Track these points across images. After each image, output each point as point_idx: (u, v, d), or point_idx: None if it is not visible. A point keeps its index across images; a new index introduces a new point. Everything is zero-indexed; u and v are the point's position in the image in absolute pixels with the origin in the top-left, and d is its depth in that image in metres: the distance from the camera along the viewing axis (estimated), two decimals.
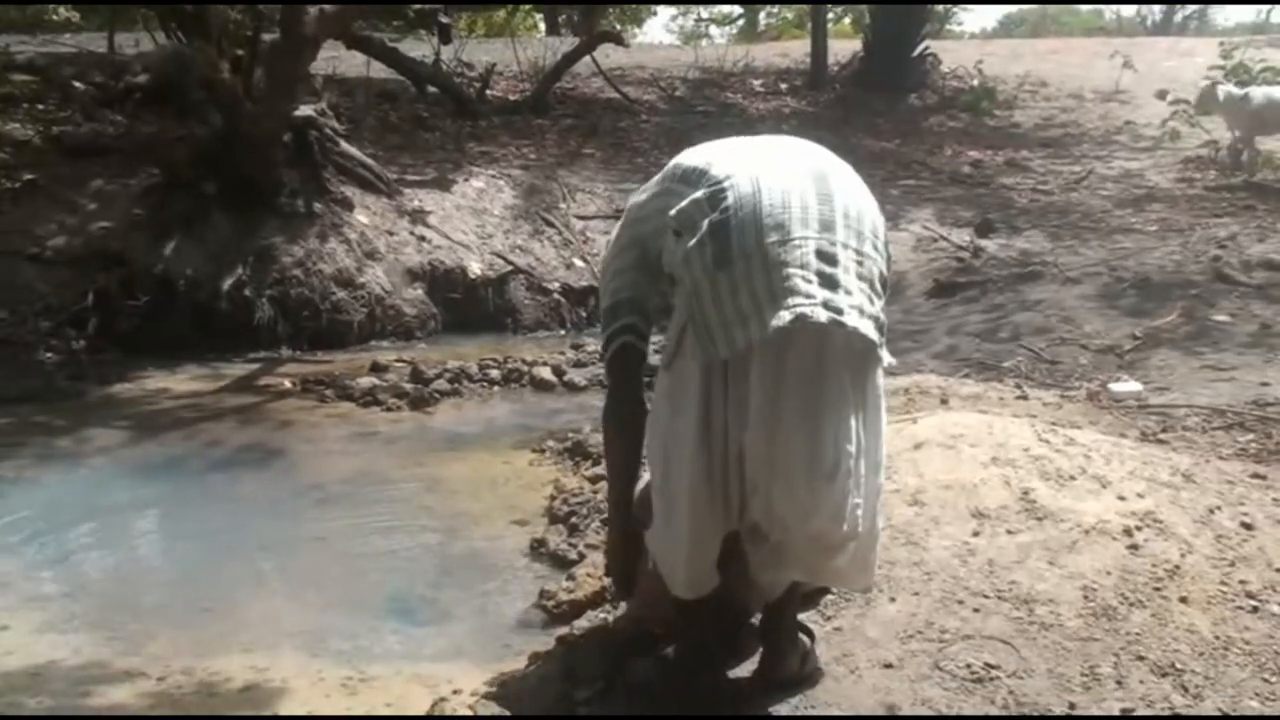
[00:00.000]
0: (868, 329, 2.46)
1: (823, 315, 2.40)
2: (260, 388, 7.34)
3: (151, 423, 6.60)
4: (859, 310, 2.46)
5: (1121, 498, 3.84)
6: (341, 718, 3.31)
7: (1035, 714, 2.86)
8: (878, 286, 2.55)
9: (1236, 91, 10.64)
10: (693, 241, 2.51)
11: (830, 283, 2.44)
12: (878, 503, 2.71)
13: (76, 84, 11.33)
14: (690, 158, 2.74)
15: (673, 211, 2.61)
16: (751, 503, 2.61)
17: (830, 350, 2.48)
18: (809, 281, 2.43)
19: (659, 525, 2.78)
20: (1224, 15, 43.52)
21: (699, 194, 2.56)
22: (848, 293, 2.45)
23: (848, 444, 2.53)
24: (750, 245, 2.45)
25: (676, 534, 2.70)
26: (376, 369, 7.52)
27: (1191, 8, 43.05)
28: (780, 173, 2.55)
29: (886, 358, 2.57)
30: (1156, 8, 42.82)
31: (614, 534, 3.16)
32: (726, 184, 2.53)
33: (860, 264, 2.51)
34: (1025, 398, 5.78)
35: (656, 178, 2.84)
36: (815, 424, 2.49)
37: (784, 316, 2.39)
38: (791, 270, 2.43)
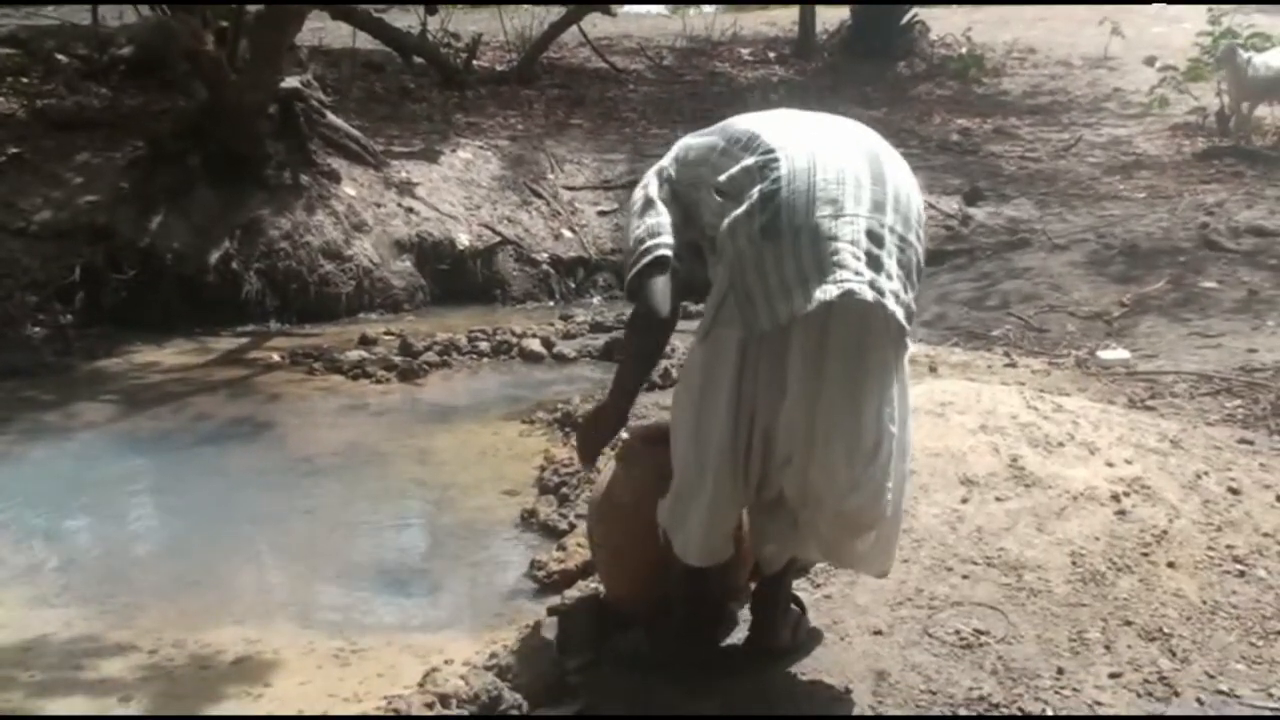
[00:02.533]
0: (902, 316, 2.48)
1: (869, 294, 2.41)
2: (249, 361, 7.32)
3: (140, 397, 6.58)
4: (896, 295, 2.47)
5: (1109, 464, 3.86)
6: (348, 717, 3.31)
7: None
8: (914, 276, 2.56)
9: (1242, 55, 10.59)
10: (741, 210, 2.51)
11: (876, 264, 2.45)
12: (905, 487, 2.73)
13: (60, 57, 11.24)
14: (745, 121, 2.73)
15: (723, 176, 2.59)
16: (783, 475, 2.63)
17: (873, 329, 2.49)
18: (858, 259, 2.43)
19: (678, 493, 2.77)
20: None
21: (750, 161, 2.55)
22: (889, 277, 2.46)
23: (890, 423, 2.56)
24: (801, 219, 2.44)
25: (698, 503, 2.70)
26: (365, 341, 7.51)
27: None
28: (836, 148, 2.55)
29: (911, 343, 2.61)
30: None
31: (608, 412, 3.10)
32: (780, 155, 2.52)
33: (903, 251, 2.52)
34: (1014, 365, 5.80)
35: (711, 129, 2.82)
36: (858, 400, 2.51)
37: (830, 290, 2.40)
38: (841, 245, 2.43)
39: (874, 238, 2.46)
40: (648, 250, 2.72)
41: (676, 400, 2.82)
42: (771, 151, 2.54)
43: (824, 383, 2.49)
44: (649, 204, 2.80)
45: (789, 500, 2.68)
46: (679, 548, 2.81)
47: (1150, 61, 12.39)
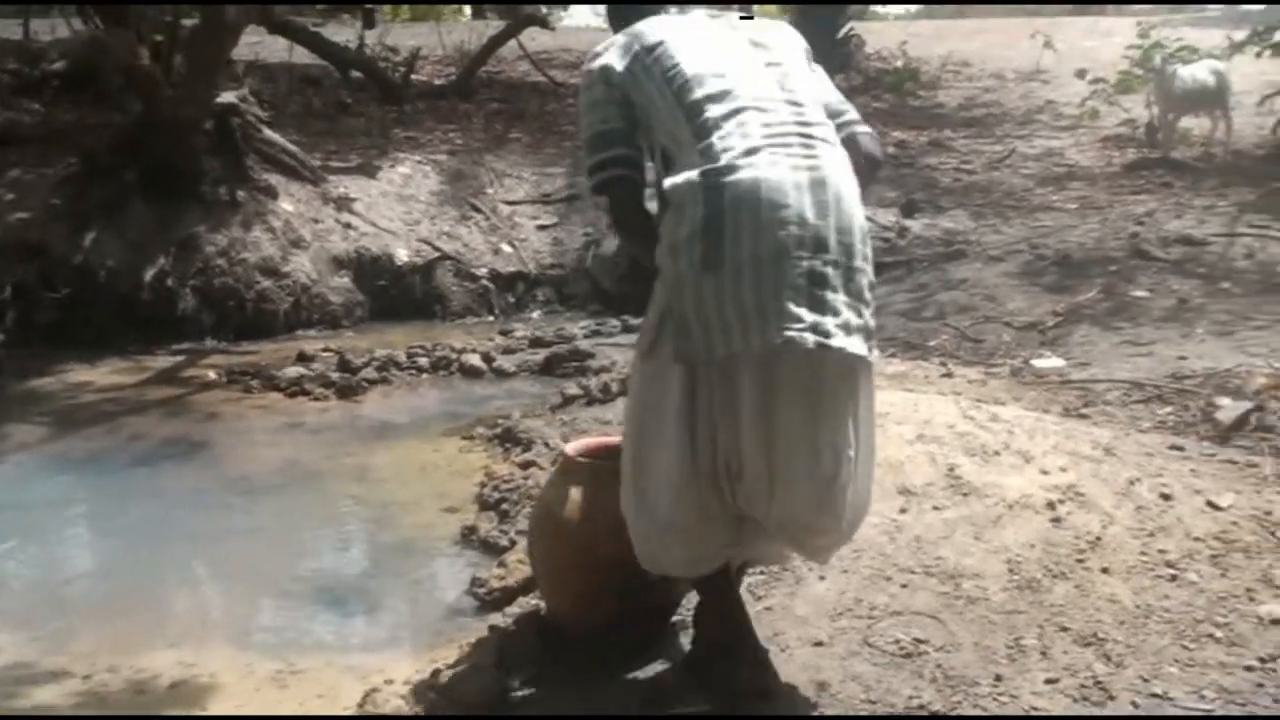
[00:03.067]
0: (855, 345, 2.46)
1: (810, 340, 2.39)
2: (184, 379, 7.23)
3: (73, 417, 6.49)
4: (846, 327, 2.44)
5: (1044, 472, 3.91)
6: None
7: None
8: (866, 295, 2.53)
9: (1168, 68, 10.78)
10: (682, 232, 2.46)
11: (819, 305, 2.42)
12: (869, 485, 2.73)
13: None
14: (695, 67, 2.61)
15: (667, 184, 2.53)
16: (748, 498, 2.58)
17: (824, 365, 2.47)
18: (799, 304, 2.40)
19: (633, 507, 2.72)
20: None
21: (694, 175, 2.46)
22: (835, 313, 2.43)
23: (847, 449, 2.54)
24: (744, 256, 2.40)
25: (655, 520, 2.66)
26: (303, 358, 7.44)
27: None
28: (781, 168, 2.45)
29: (874, 356, 2.59)
30: None
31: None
32: (725, 176, 2.43)
33: (850, 280, 2.48)
34: (950, 375, 5.86)
35: (663, 48, 2.67)
36: (813, 437, 2.49)
37: (773, 338, 2.38)
38: (783, 290, 2.40)
39: (816, 279, 2.43)
40: (602, 166, 2.69)
41: (626, 416, 2.79)
42: (718, 165, 2.45)
43: (777, 421, 2.47)
44: (594, 105, 2.71)
45: (757, 519, 2.66)
46: (647, 557, 2.77)
47: (1081, 74, 12.59)
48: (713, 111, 2.53)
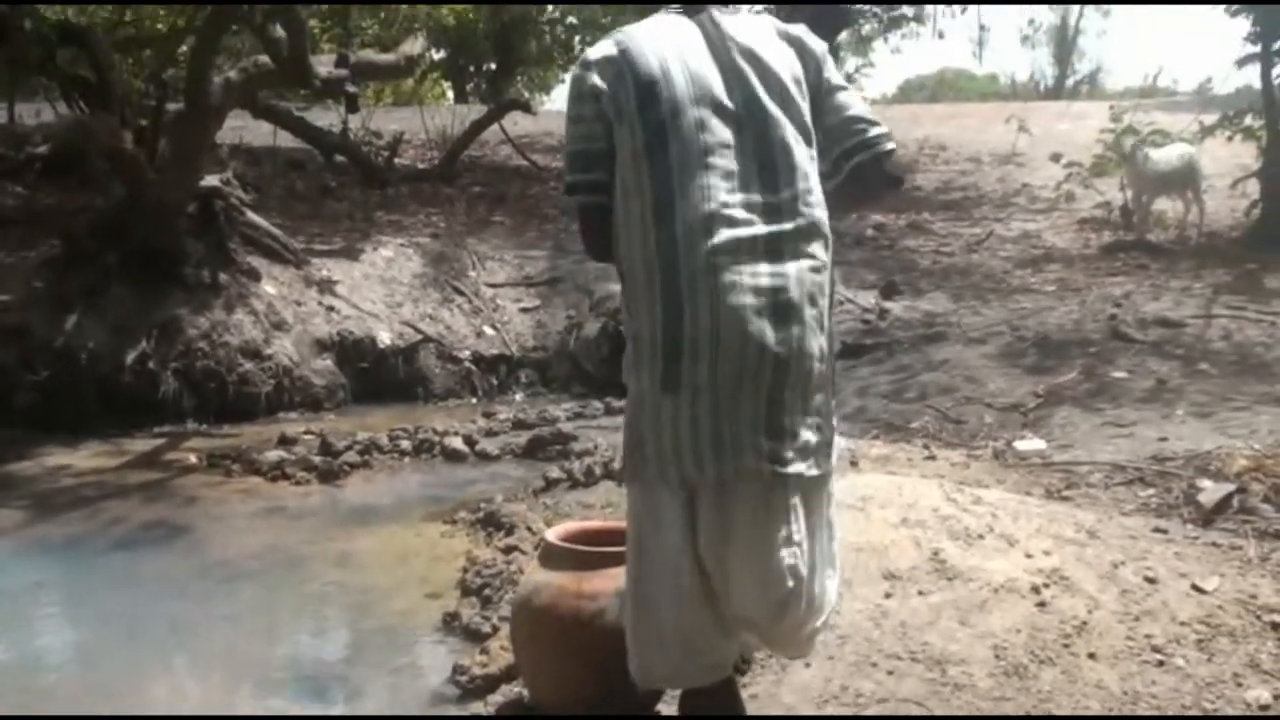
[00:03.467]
0: (812, 467, 2.43)
1: (766, 470, 2.36)
2: (165, 463, 7.19)
3: (51, 501, 6.43)
4: (804, 450, 2.41)
5: (1029, 555, 3.91)
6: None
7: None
8: (827, 408, 2.51)
9: (1141, 152, 10.96)
10: (644, 353, 2.40)
11: (777, 433, 2.38)
12: (833, 586, 2.63)
13: None
14: (654, 88, 2.45)
15: (625, 282, 2.47)
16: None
17: (781, 488, 2.42)
18: (756, 433, 2.37)
19: (633, 615, 2.58)
20: (1114, 79, 45.11)
21: (655, 295, 2.37)
22: (793, 437, 2.40)
23: (801, 570, 2.46)
24: (702, 381, 2.35)
25: (658, 628, 2.53)
26: (285, 441, 7.41)
27: (1083, 72, 44.55)
28: (744, 293, 2.34)
29: (838, 458, 2.56)
30: (1049, 72, 44.24)
31: None
32: (684, 301, 2.34)
33: (809, 398, 2.44)
34: (933, 458, 5.87)
35: (610, 67, 2.51)
36: (765, 565, 2.42)
37: (727, 471, 2.36)
38: (741, 419, 2.36)
39: (775, 405, 2.38)
40: (576, 188, 2.58)
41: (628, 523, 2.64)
42: (676, 281, 2.35)
43: (730, 549, 2.42)
44: (579, 120, 2.55)
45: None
46: (642, 668, 2.62)
47: (1056, 158, 12.77)
48: (679, 201, 2.38)
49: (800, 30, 2.63)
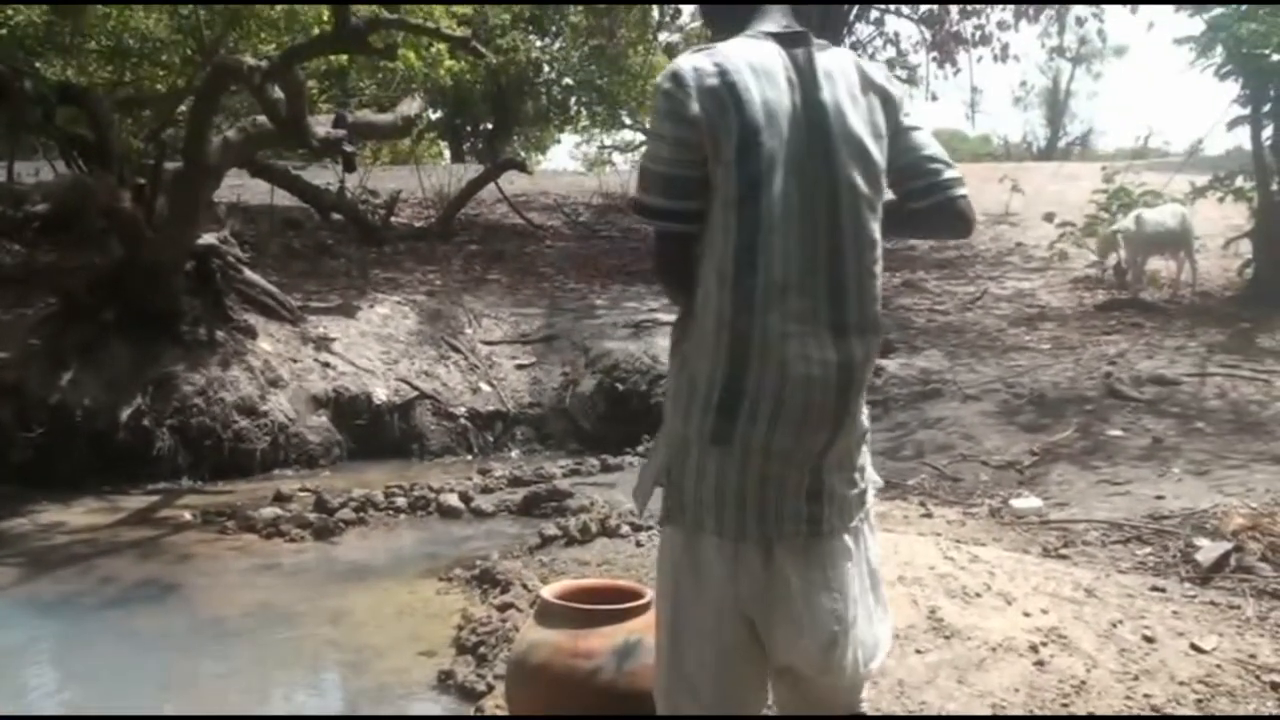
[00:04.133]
0: (848, 521, 2.39)
1: (804, 532, 2.33)
2: (159, 520, 7.16)
3: (45, 559, 6.39)
4: (843, 509, 2.38)
5: (1026, 614, 3.90)
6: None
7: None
8: (862, 461, 2.45)
9: (1130, 216, 11.06)
10: (698, 396, 2.31)
11: (817, 501, 2.34)
12: (885, 630, 2.54)
13: None
14: (753, 138, 2.25)
15: (693, 337, 2.33)
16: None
17: (815, 543, 2.37)
18: (798, 502, 2.32)
19: (667, 663, 2.46)
20: (1106, 140, 45.52)
21: (723, 345, 2.27)
22: (831, 501, 2.36)
23: (843, 613, 2.40)
24: (755, 443, 2.28)
25: (691, 678, 2.41)
26: (280, 498, 7.39)
27: (1075, 133, 44.97)
28: (811, 364, 2.28)
29: (872, 502, 2.49)
30: (1041, 133, 44.65)
31: None
32: (751, 360, 2.25)
33: (850, 455, 2.41)
34: (930, 515, 5.86)
35: (712, 98, 2.26)
36: (809, 611, 2.36)
37: (769, 532, 2.30)
38: (786, 490, 2.30)
39: (818, 478, 2.34)
40: (663, 214, 2.33)
41: (657, 587, 2.55)
42: (746, 337, 2.26)
43: (773, 599, 2.35)
44: (676, 143, 2.29)
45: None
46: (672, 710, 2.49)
47: (1049, 217, 12.86)
48: (760, 259, 2.27)
49: (884, 75, 2.49)
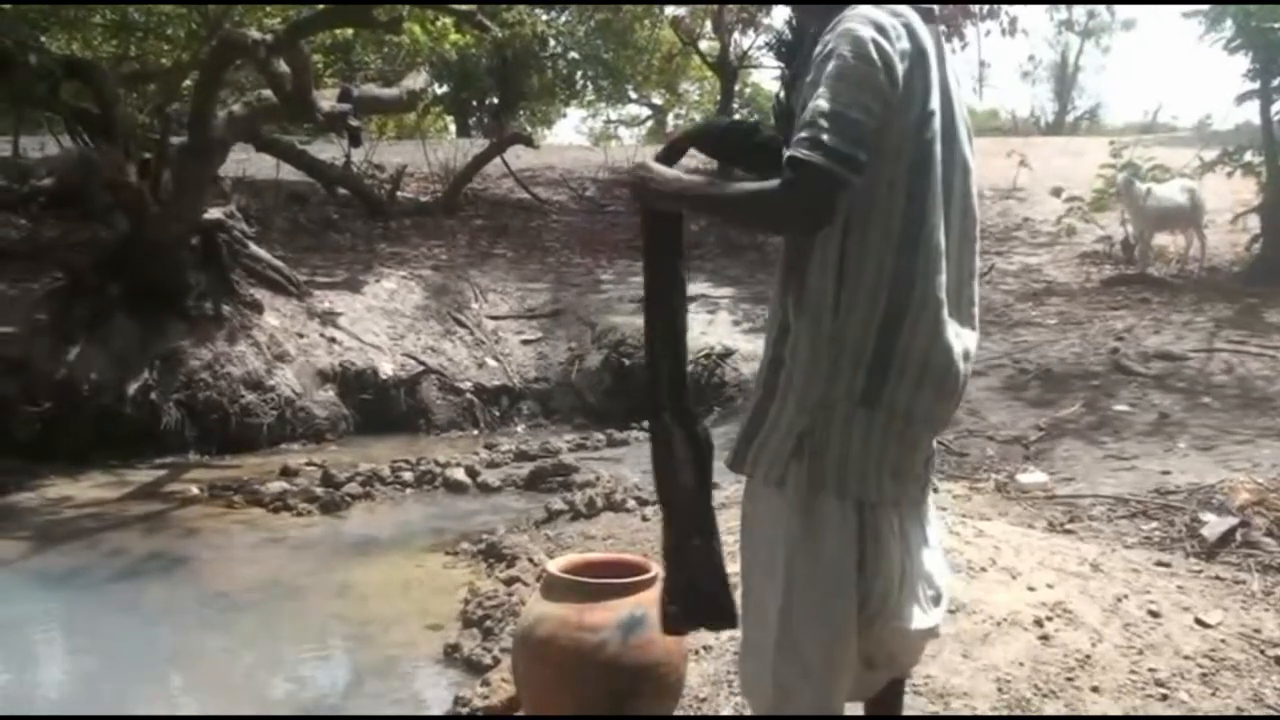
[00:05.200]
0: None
1: (920, 496, 2.45)
2: (166, 494, 7.18)
3: (52, 533, 6.42)
4: (933, 468, 2.52)
5: (1031, 588, 3.90)
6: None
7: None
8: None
9: (1141, 187, 11.02)
10: (845, 357, 2.26)
11: (928, 463, 2.45)
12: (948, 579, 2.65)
13: None
14: (929, 112, 2.24)
15: (816, 283, 2.28)
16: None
17: (922, 506, 2.49)
18: (926, 465, 2.44)
19: (778, 638, 2.34)
20: (1114, 115, 45.32)
21: (879, 303, 2.24)
22: (932, 464, 2.49)
23: (945, 569, 2.52)
24: (900, 403, 2.28)
25: (804, 656, 2.33)
26: (286, 473, 7.41)
27: (1083, 108, 44.76)
28: (955, 337, 2.32)
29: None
30: (1049, 108, 44.44)
31: (670, 187, 2.44)
32: (906, 316, 2.25)
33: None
34: (936, 490, 5.84)
35: (905, 52, 2.20)
36: (924, 574, 2.44)
37: (900, 494, 2.34)
38: (920, 449, 2.38)
39: (931, 453, 2.47)
40: (839, 157, 2.10)
41: (761, 563, 2.43)
42: (902, 308, 2.25)
43: (892, 547, 2.37)
44: (865, 87, 2.15)
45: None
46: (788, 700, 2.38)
47: (1057, 192, 12.81)
48: (925, 228, 2.26)
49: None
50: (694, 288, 9.32)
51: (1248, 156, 11.73)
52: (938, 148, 2.27)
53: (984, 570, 4.00)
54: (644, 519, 5.85)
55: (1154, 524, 5.18)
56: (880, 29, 2.18)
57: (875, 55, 2.16)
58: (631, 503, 6.24)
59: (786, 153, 2.16)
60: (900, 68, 2.18)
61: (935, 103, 2.26)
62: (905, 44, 2.20)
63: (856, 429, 2.27)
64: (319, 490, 6.98)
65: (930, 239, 2.27)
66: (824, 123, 2.12)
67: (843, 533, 2.29)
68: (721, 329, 10.04)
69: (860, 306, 2.26)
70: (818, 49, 2.24)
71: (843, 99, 2.14)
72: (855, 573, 2.30)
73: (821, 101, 2.14)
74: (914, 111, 2.22)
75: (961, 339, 2.35)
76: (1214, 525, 4.90)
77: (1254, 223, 11.54)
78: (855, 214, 2.23)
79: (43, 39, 12.56)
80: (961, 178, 2.38)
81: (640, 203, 2.53)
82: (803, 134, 2.13)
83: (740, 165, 2.66)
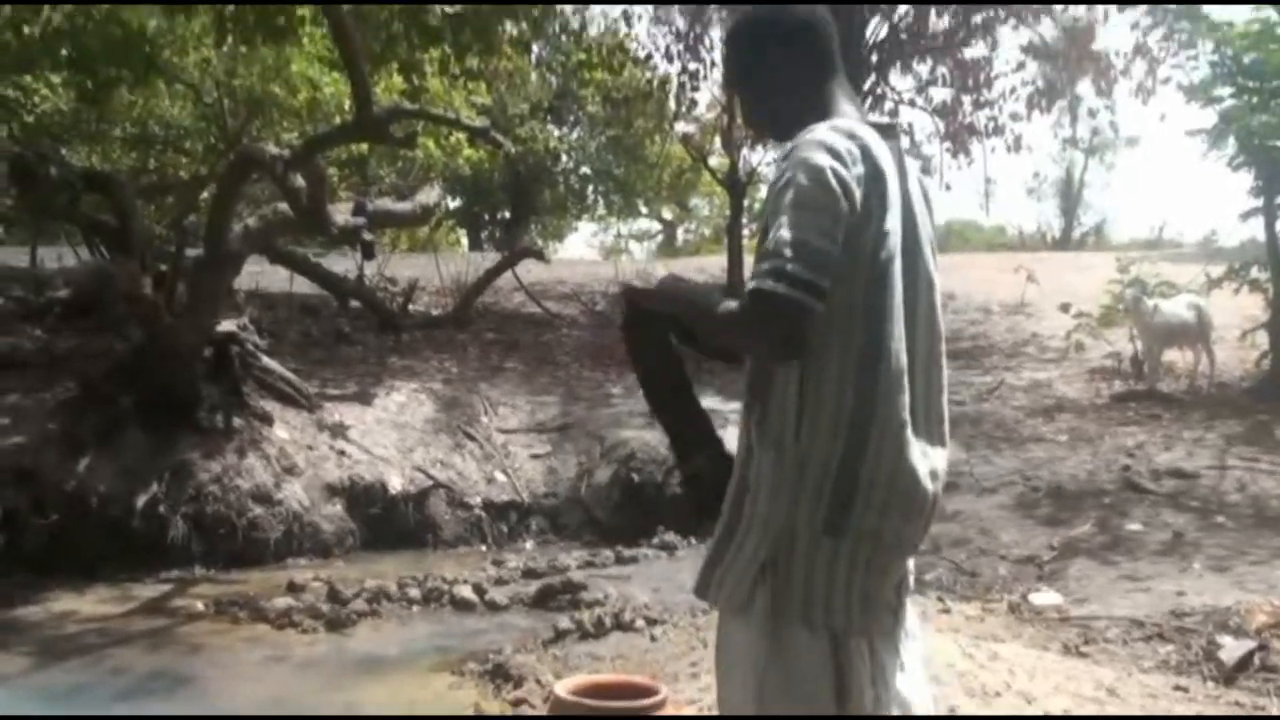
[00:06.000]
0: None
1: (892, 622, 2.37)
2: (172, 610, 7.13)
3: (56, 648, 6.36)
4: (908, 591, 2.46)
5: (1048, 714, 3.83)
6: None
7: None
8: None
9: (1148, 303, 11.09)
10: (809, 480, 2.24)
11: (900, 587, 2.40)
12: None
13: None
14: (886, 236, 2.26)
15: (779, 404, 2.29)
16: None
17: (897, 632, 2.42)
18: (898, 592, 2.38)
19: None
20: (1120, 230, 45.73)
21: (841, 424, 2.23)
22: (907, 588, 2.44)
23: (926, 696, 2.47)
24: (868, 528, 2.25)
25: None
26: (293, 588, 7.35)
27: (1089, 224, 45.19)
28: (922, 461, 2.30)
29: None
30: (1055, 223, 44.86)
31: (671, 296, 2.50)
32: (869, 445, 2.24)
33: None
34: (948, 611, 5.80)
35: (859, 173, 2.23)
36: (900, 702, 2.37)
37: (870, 627, 2.30)
38: (889, 576, 2.33)
39: (904, 580, 2.41)
40: (799, 285, 2.12)
41: (731, 688, 2.42)
42: (865, 430, 2.24)
43: (864, 675, 2.32)
44: (827, 213, 2.18)
45: None
46: None
47: (1065, 308, 12.87)
48: (885, 346, 2.26)
49: (929, 181, 2.55)
50: (703, 402, 9.35)
51: (1254, 273, 11.81)
52: (896, 266, 2.28)
53: (998, 695, 3.95)
54: (652, 639, 5.78)
55: (1170, 647, 5.12)
56: (836, 155, 2.22)
57: (833, 182, 2.19)
58: (640, 622, 6.17)
59: (750, 284, 2.18)
60: (857, 192, 2.21)
61: (892, 222, 2.28)
62: (860, 168, 2.23)
63: (821, 557, 2.25)
64: (325, 607, 6.91)
65: (891, 358, 2.27)
66: (787, 251, 2.15)
67: (811, 660, 2.26)
68: (730, 443, 10.01)
69: (822, 430, 2.25)
70: (774, 177, 2.29)
71: (803, 227, 2.17)
72: (832, 700, 2.25)
73: (783, 231, 2.17)
74: (870, 232, 2.24)
75: (929, 458, 2.34)
76: (1231, 649, 4.84)
77: (1262, 339, 11.57)
78: (814, 336, 2.22)
79: (64, 151, 12.81)
80: (926, 293, 2.39)
81: (627, 299, 2.60)
82: (764, 265, 2.17)
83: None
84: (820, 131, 2.28)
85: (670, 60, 17.94)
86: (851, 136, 2.27)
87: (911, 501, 2.29)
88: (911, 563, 2.46)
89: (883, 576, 2.30)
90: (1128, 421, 10.22)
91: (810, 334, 2.19)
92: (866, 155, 2.25)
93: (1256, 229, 11.90)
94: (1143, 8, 11.20)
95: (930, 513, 2.36)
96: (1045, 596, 6.13)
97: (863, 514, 2.24)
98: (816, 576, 2.25)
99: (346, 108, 12.60)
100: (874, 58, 16.65)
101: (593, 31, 19.68)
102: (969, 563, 6.98)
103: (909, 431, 2.28)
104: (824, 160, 2.20)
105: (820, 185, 2.19)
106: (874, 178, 2.25)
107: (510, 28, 11.11)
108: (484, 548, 9.12)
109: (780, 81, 2.49)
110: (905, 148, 2.48)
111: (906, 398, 2.28)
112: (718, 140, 21.48)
